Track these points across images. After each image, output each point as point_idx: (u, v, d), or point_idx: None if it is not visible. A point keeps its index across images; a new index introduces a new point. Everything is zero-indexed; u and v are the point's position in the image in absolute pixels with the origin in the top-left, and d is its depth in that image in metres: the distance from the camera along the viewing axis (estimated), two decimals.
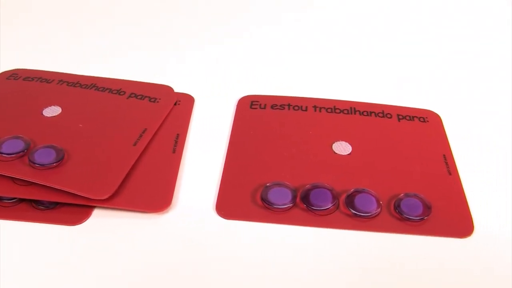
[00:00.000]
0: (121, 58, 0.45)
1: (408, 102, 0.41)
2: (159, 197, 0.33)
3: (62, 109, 0.38)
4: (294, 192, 0.33)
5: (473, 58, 0.47)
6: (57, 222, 0.31)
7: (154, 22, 0.51)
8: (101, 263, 0.29)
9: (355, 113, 0.40)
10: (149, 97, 0.40)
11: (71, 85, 0.41)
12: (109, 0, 0.54)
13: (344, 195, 0.33)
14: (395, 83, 0.44)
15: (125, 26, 0.50)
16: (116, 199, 0.32)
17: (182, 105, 0.40)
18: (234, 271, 0.29)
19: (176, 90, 0.41)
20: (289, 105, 0.40)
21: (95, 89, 0.40)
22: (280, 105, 0.40)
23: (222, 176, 0.35)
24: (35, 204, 0.32)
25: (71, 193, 0.31)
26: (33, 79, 0.41)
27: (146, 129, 0.37)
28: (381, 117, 0.40)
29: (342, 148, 0.37)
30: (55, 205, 0.32)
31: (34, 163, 0.33)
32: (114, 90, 0.41)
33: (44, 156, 0.33)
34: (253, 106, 0.40)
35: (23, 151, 0.34)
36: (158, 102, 0.40)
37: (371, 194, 0.33)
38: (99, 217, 0.32)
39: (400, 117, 0.40)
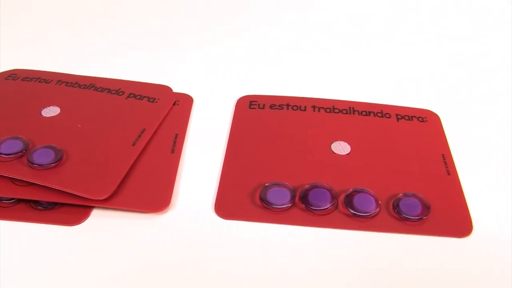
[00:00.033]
0: (120, 58, 0.45)
1: (407, 102, 0.41)
2: (158, 197, 0.33)
3: (60, 109, 0.38)
4: (293, 192, 0.33)
5: (472, 58, 0.47)
6: (56, 223, 0.31)
7: (153, 22, 0.51)
8: (100, 263, 0.29)
9: (354, 113, 0.40)
10: (147, 97, 0.40)
11: (69, 85, 0.41)
12: (109, 0, 0.54)
13: (343, 195, 0.33)
14: (394, 83, 0.44)
15: (124, 26, 0.50)
16: (115, 199, 0.32)
17: (181, 105, 0.40)
18: (233, 271, 0.29)
19: (175, 90, 0.41)
20: (288, 105, 0.40)
21: (94, 89, 0.40)
22: (279, 105, 0.40)
23: (221, 176, 0.35)
24: (34, 204, 0.32)
25: (70, 193, 0.31)
26: (32, 79, 0.41)
27: (145, 129, 0.37)
28: (380, 117, 0.40)
29: (341, 148, 0.37)
30: (54, 205, 0.32)
31: (33, 164, 0.33)
32: (113, 90, 0.41)
33: (43, 157, 0.33)
34: (252, 106, 0.40)
35: (21, 151, 0.33)
36: (157, 102, 0.40)
37: (370, 194, 0.33)
38: (98, 217, 0.32)
39: (399, 117, 0.40)
